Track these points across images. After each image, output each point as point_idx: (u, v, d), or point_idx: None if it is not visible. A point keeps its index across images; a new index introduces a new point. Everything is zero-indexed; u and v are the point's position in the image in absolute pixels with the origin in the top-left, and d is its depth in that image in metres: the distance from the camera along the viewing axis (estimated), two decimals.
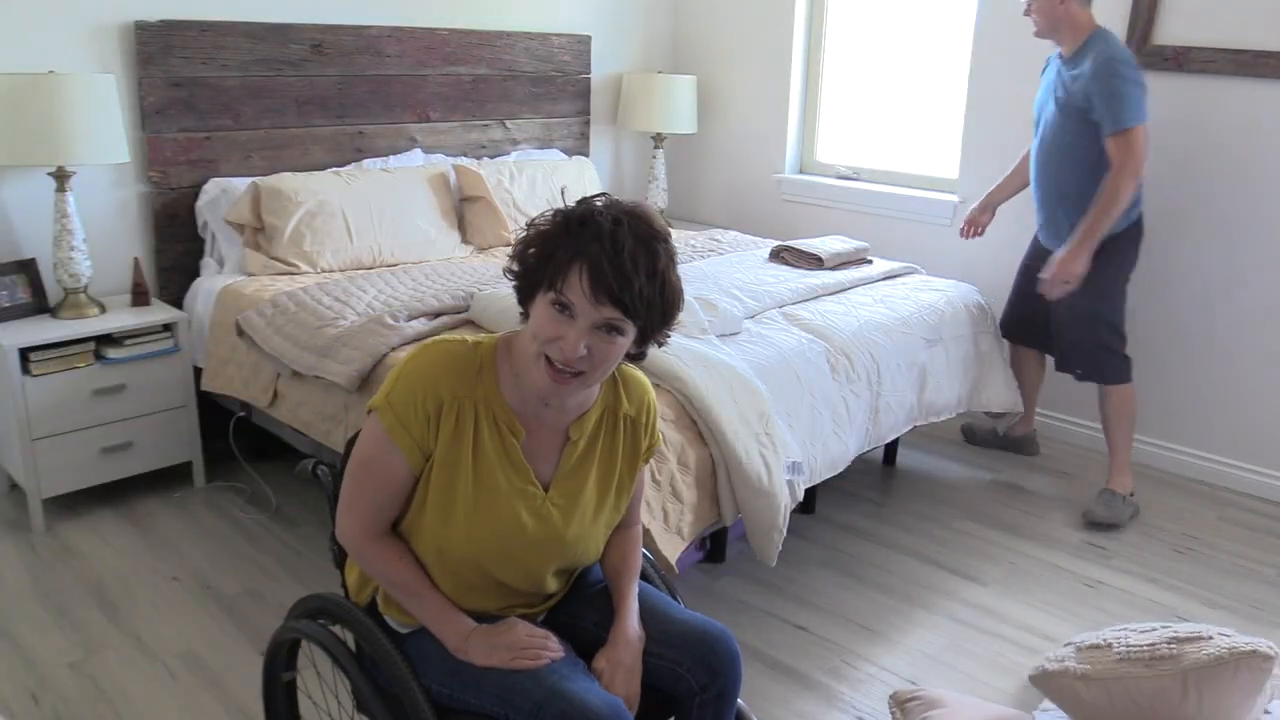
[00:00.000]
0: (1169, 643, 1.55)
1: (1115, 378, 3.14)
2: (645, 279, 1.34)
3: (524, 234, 1.43)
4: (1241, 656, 1.48)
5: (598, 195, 1.41)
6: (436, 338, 1.48)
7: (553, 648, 1.45)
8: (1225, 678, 1.49)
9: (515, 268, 1.43)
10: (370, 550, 1.48)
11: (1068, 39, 2.99)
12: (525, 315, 1.43)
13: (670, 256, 1.39)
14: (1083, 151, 2.96)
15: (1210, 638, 1.53)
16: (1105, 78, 2.85)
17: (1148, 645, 1.57)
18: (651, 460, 2.18)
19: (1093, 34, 2.95)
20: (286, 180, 3.28)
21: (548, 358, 1.37)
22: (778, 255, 3.49)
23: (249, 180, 3.29)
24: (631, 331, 1.39)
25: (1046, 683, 1.70)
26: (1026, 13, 3.02)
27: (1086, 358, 3.15)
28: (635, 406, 1.57)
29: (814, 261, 3.38)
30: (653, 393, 1.62)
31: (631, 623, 1.55)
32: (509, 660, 1.42)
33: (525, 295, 1.42)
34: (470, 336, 1.49)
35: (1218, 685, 1.49)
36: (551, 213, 1.41)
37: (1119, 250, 3.04)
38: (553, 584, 1.59)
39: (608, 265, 1.32)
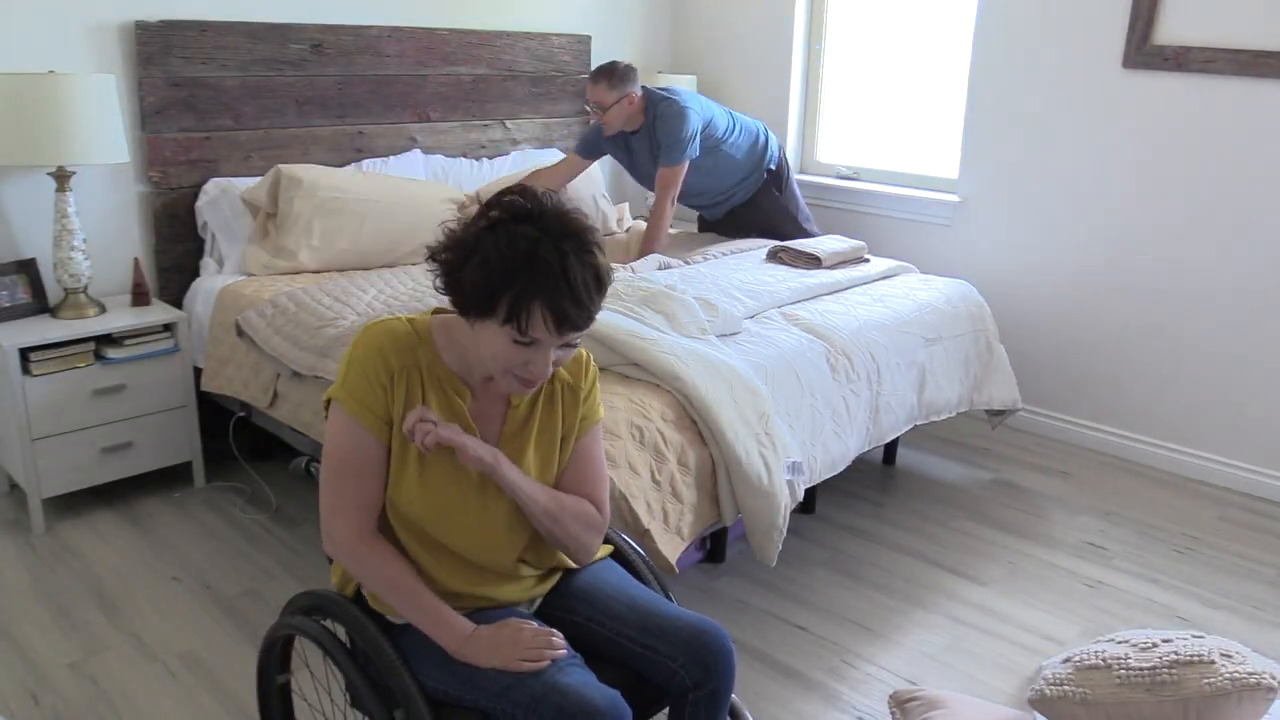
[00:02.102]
0: (1170, 667, 1.55)
1: None
2: (597, 297, 1.38)
3: (451, 249, 1.40)
4: (1244, 689, 1.48)
5: (512, 199, 1.38)
6: (373, 321, 1.52)
7: (557, 645, 1.44)
8: (1227, 709, 1.49)
9: (447, 284, 1.42)
10: (363, 550, 1.47)
11: (635, 121, 3.59)
12: (464, 315, 1.43)
13: (603, 250, 1.41)
14: (704, 176, 3.71)
15: (1212, 661, 1.52)
16: (671, 129, 3.50)
17: (1149, 669, 1.57)
18: (653, 462, 2.19)
19: (647, 104, 3.56)
20: (310, 171, 3.27)
21: (512, 373, 1.42)
22: (775, 255, 3.49)
23: (244, 180, 3.30)
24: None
25: (1046, 707, 1.69)
26: (596, 118, 3.55)
27: None
28: (573, 374, 1.61)
29: (812, 261, 3.38)
30: (594, 364, 1.65)
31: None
32: (512, 660, 1.41)
33: (467, 312, 1.41)
34: (404, 316, 1.53)
35: (1219, 715, 1.49)
36: (482, 231, 1.37)
37: (771, 193, 3.83)
38: (519, 567, 1.59)
39: (569, 304, 1.34)
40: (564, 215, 1.38)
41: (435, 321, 1.53)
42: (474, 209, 1.44)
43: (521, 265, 1.33)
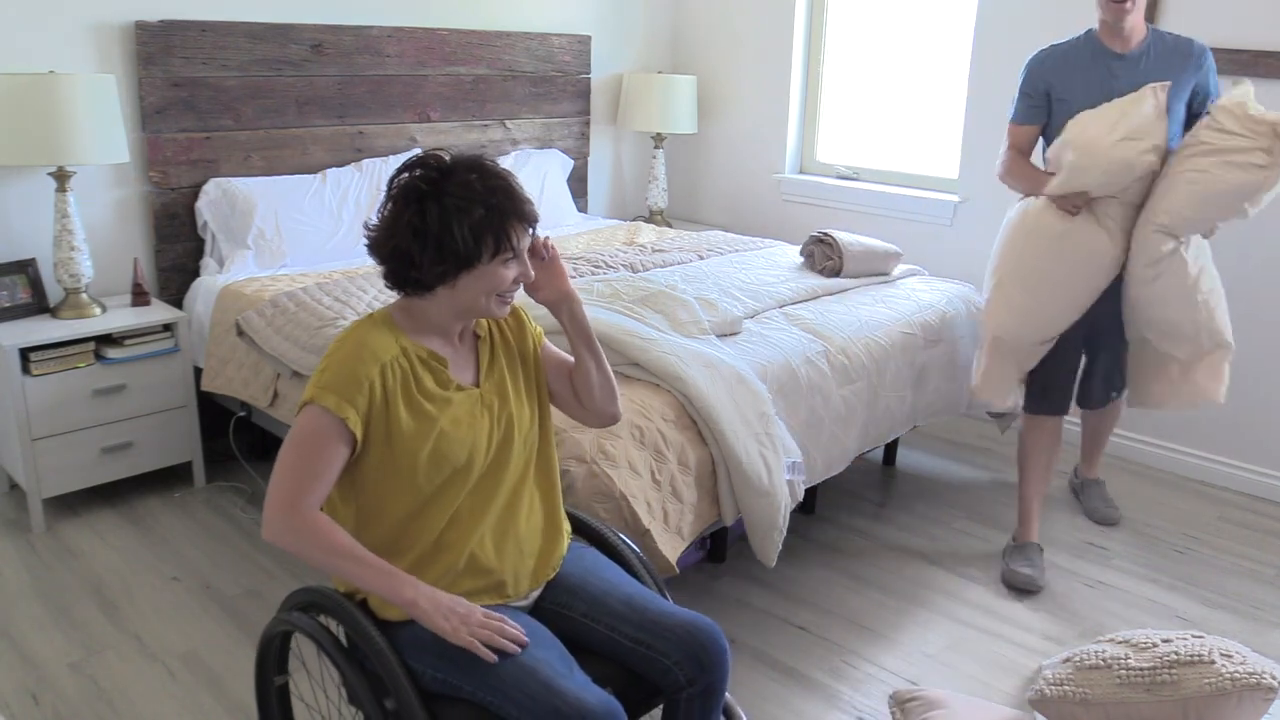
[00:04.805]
0: (1169, 667, 1.55)
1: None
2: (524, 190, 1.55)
3: (428, 232, 1.47)
4: (1244, 689, 1.47)
5: (425, 159, 1.51)
6: (344, 329, 1.58)
7: (509, 634, 1.44)
8: (1227, 709, 1.49)
9: (439, 257, 1.48)
10: (299, 523, 1.43)
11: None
12: (427, 289, 1.51)
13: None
14: None
15: (1212, 661, 1.52)
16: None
17: (1148, 669, 1.57)
18: (653, 462, 2.19)
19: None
20: None
21: (498, 296, 1.54)
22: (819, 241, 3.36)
23: (244, 180, 3.29)
24: None
25: (1046, 707, 1.70)
26: (1114, 12, 2.66)
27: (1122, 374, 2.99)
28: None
29: (833, 264, 3.32)
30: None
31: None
32: (457, 627, 1.42)
33: (451, 274, 1.50)
34: (363, 316, 1.60)
35: (1218, 715, 1.49)
36: (419, 215, 1.47)
37: None
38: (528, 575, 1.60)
39: (526, 206, 1.52)
40: (459, 154, 1.53)
41: (393, 309, 1.59)
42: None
43: (488, 202, 1.47)
